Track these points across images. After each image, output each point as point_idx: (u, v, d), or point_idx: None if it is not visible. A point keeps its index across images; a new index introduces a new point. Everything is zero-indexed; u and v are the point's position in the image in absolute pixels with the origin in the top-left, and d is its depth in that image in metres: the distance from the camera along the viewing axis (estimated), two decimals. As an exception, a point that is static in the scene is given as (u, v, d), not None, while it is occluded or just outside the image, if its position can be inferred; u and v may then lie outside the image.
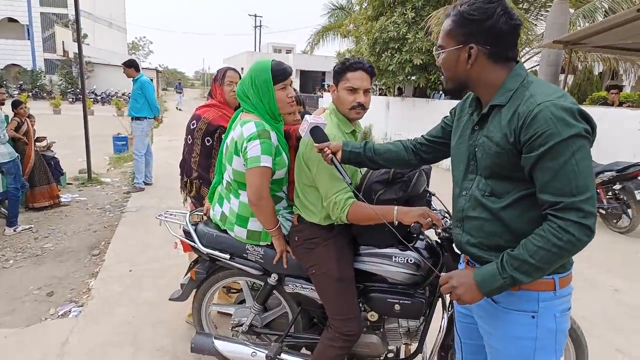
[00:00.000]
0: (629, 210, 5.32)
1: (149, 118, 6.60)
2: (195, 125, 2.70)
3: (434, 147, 1.71)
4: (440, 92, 13.28)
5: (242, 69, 23.70)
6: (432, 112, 10.32)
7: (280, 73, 2.00)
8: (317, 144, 1.78)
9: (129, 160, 8.81)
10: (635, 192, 5.09)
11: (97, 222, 5.15)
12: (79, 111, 7.95)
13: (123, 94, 27.64)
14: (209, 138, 2.67)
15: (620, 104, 8.05)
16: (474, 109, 1.42)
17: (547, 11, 9.56)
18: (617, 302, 3.61)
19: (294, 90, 2.19)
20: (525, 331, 1.33)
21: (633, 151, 5.67)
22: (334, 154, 1.76)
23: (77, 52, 7.14)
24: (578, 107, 1.17)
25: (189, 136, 2.73)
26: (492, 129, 1.30)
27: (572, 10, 9.32)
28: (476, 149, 1.36)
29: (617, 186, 5.35)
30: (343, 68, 1.94)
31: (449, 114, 1.64)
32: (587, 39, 7.07)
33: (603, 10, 9.56)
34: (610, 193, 5.48)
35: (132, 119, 6.61)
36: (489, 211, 1.33)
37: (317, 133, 1.79)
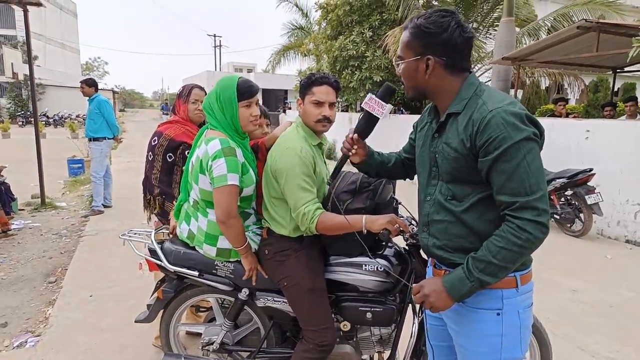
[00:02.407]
0: (581, 215, 5.63)
1: (108, 138, 6.39)
2: (156, 142, 2.67)
3: (410, 163, 1.80)
4: (401, 108, 13.66)
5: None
6: (394, 127, 10.54)
7: (245, 90, 2.00)
8: (356, 135, 1.72)
9: (85, 183, 8.49)
10: (586, 197, 5.40)
11: (52, 248, 4.90)
12: (30, 134, 7.64)
13: (77, 116, 26.72)
14: (170, 154, 2.64)
15: (567, 115, 8.56)
16: (433, 118, 1.50)
17: (496, 30, 10.11)
18: (576, 302, 3.79)
19: (259, 105, 2.20)
20: (492, 328, 1.38)
21: (581, 158, 6.02)
22: (356, 154, 1.74)
23: (28, 73, 6.88)
24: (526, 112, 1.27)
25: (150, 153, 2.69)
26: (450, 135, 1.38)
27: (518, 29, 9.90)
28: (437, 155, 1.43)
29: (569, 192, 5.65)
30: (309, 82, 1.99)
31: (412, 129, 1.71)
32: (533, 55, 7.53)
33: (546, 28, 10.22)
34: (562, 199, 5.78)
35: (90, 140, 6.38)
36: (452, 214, 1.39)
37: (367, 122, 1.70)
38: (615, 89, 10.52)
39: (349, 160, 1.80)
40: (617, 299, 3.86)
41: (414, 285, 1.44)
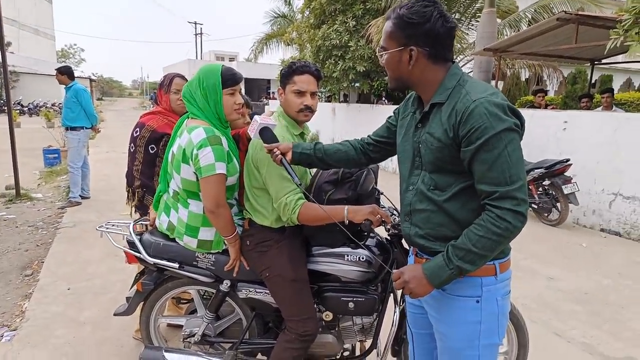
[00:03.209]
0: (558, 204, 5.75)
1: (85, 128, 6.23)
2: (138, 133, 2.61)
3: (381, 146, 1.77)
4: (384, 98, 13.69)
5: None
6: (376, 117, 10.60)
7: (229, 78, 1.97)
8: (266, 145, 1.78)
9: (62, 174, 8.29)
10: (563, 187, 5.52)
11: (28, 241, 4.78)
12: (4, 124, 7.40)
13: (53, 105, 26.00)
14: (153, 146, 2.58)
15: (546, 107, 8.70)
16: (416, 108, 1.49)
17: (477, 21, 10.18)
18: (552, 289, 3.88)
19: (242, 95, 2.17)
20: (471, 315, 1.41)
21: (558, 149, 6.14)
22: (284, 154, 1.77)
23: (0, 60, 6.63)
24: (508, 103, 1.28)
25: (132, 144, 2.63)
26: (433, 125, 1.38)
27: (499, 21, 9.98)
28: (420, 145, 1.43)
29: (547, 182, 5.77)
30: (290, 71, 1.96)
31: (392, 114, 1.71)
32: (514, 47, 7.60)
33: (527, 20, 10.32)
34: (540, 189, 5.90)
35: (67, 129, 6.21)
36: (434, 203, 1.40)
37: (267, 134, 1.79)
38: (593, 81, 10.74)
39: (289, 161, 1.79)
40: (592, 286, 3.97)
41: (394, 271, 1.45)
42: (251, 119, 1.89)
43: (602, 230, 5.79)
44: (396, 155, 1.83)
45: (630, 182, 5.44)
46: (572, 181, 5.57)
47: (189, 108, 2.01)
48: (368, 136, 1.82)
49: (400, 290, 2.15)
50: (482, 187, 1.28)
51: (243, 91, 2.21)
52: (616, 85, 17.57)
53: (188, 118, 2.05)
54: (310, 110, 1.98)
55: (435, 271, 1.33)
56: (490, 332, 1.41)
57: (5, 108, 7.16)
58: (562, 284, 4.01)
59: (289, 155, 1.78)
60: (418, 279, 1.36)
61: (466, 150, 1.28)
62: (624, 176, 5.49)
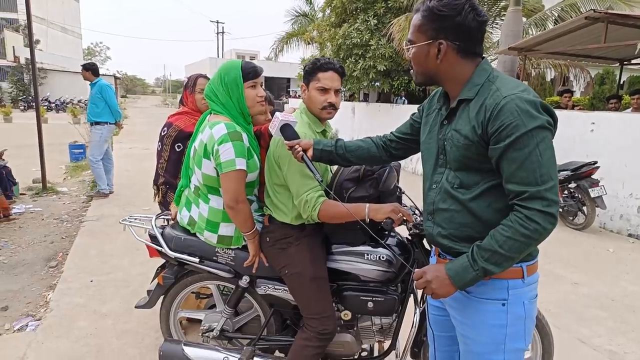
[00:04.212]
0: (584, 208, 5.60)
1: (109, 123, 6.35)
2: (165, 132, 2.68)
3: (403, 143, 1.74)
4: (403, 97, 13.56)
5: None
6: (396, 117, 10.52)
7: (250, 71, 1.97)
8: (287, 142, 1.77)
9: (87, 169, 8.46)
10: (589, 190, 5.36)
11: (53, 233, 4.90)
12: (32, 119, 7.60)
13: (79, 101, 26.63)
14: (179, 144, 2.63)
15: (573, 107, 8.48)
16: (442, 104, 1.45)
17: (502, 19, 9.98)
18: (577, 295, 3.77)
19: (265, 90, 2.17)
20: (496, 319, 1.36)
21: (585, 151, 5.97)
22: (305, 151, 1.75)
23: (29, 57, 6.81)
24: (541, 100, 1.23)
25: (159, 143, 2.70)
26: (460, 122, 1.34)
27: (524, 19, 9.76)
28: (445, 143, 1.39)
29: (572, 185, 5.62)
30: (314, 68, 1.95)
31: (417, 111, 1.67)
32: (540, 46, 7.43)
33: (553, 18, 10.07)
34: (566, 191, 5.75)
35: (92, 124, 6.35)
36: (459, 202, 1.36)
37: (288, 131, 1.78)
38: (621, 82, 10.41)
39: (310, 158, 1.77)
40: (618, 292, 3.85)
41: (416, 270, 1.41)
42: (272, 116, 1.89)
43: (629, 235, 5.61)
44: (416, 154, 1.81)
45: (661, 187, 5.25)
46: (599, 184, 5.40)
47: (211, 105, 2.02)
48: (391, 133, 1.79)
49: (421, 291, 2.14)
50: (511, 187, 1.24)
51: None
52: (646, 86, 16.99)
53: (210, 114, 2.06)
54: (333, 107, 1.97)
55: (459, 272, 1.30)
56: (516, 337, 1.37)
57: (34, 104, 7.36)
58: (587, 289, 3.89)
59: (310, 152, 1.76)
60: (441, 279, 1.32)
61: (495, 148, 1.24)
62: (654, 180, 5.31)
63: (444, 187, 1.40)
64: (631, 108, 7.16)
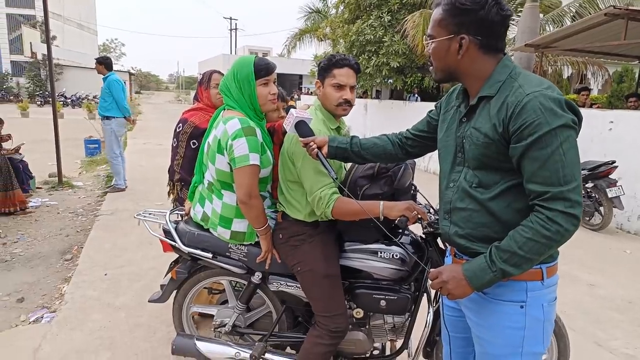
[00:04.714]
0: (601, 208, 5.49)
1: (117, 118, 6.36)
2: (180, 129, 2.68)
3: (420, 141, 1.71)
4: (416, 95, 13.45)
5: (218, 71, 23.38)
6: (409, 115, 10.43)
7: (262, 68, 1.95)
8: (302, 139, 1.76)
9: (102, 164, 8.58)
10: (607, 190, 5.26)
11: (68, 226, 4.97)
12: (48, 114, 7.70)
13: (95, 97, 26.96)
14: (194, 141, 2.63)
15: (590, 106, 8.32)
16: (462, 101, 1.42)
17: (519, 16, 9.82)
18: (593, 297, 3.71)
19: (278, 87, 2.16)
20: (514, 321, 1.33)
21: (603, 151, 5.85)
22: (320, 148, 1.74)
23: (46, 53, 6.89)
24: (565, 98, 1.19)
25: (175, 139, 2.70)
26: (480, 120, 1.30)
27: (541, 15, 9.59)
28: (464, 141, 1.36)
29: (589, 184, 5.51)
30: (329, 64, 1.92)
31: (434, 108, 1.64)
32: (558, 42, 7.30)
33: (571, 15, 9.89)
34: (582, 191, 5.63)
35: (102, 118, 6.41)
36: (477, 202, 1.33)
37: (303, 127, 1.77)
38: (641, 80, 10.18)
39: (325, 155, 1.76)
40: (636, 295, 3.77)
41: (431, 270, 1.38)
42: (286, 113, 1.87)
43: (647, 237, 5.49)
44: (429, 153, 1.78)
45: (681, 187, 5.13)
46: (617, 184, 5.29)
47: (226, 100, 2.02)
48: (407, 130, 1.76)
49: (434, 291, 2.11)
50: (532, 187, 1.20)
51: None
52: (666, 84, 16.62)
53: (224, 109, 2.05)
54: (349, 104, 1.95)
55: (477, 273, 1.27)
56: (534, 340, 1.33)
57: (50, 99, 7.45)
58: (603, 291, 3.82)
59: (325, 149, 1.75)
60: (457, 280, 1.29)
61: (516, 147, 1.20)
62: (675, 180, 5.18)
63: (461, 186, 1.37)
64: (651, 107, 7.01)
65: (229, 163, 1.93)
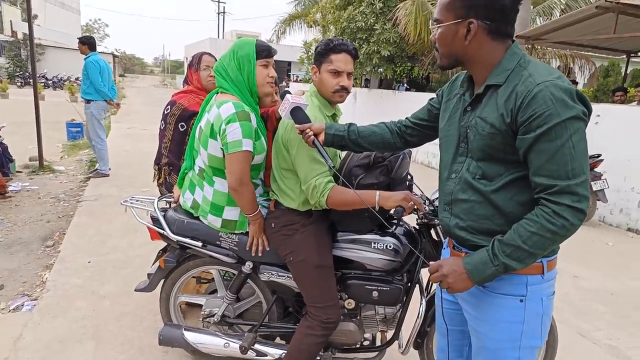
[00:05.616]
0: (585, 201, 5.55)
1: (97, 101, 6.13)
2: (169, 111, 2.60)
3: (420, 130, 1.67)
4: (405, 84, 13.43)
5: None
6: (399, 104, 10.41)
7: (264, 49, 1.91)
8: (298, 125, 1.70)
9: (84, 148, 8.37)
10: (592, 183, 5.32)
11: (50, 212, 4.84)
12: (29, 96, 7.47)
13: (77, 79, 26.29)
14: (183, 124, 2.55)
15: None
16: (466, 89, 1.37)
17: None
18: (577, 288, 3.76)
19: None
20: (514, 315, 1.31)
21: (589, 144, 5.90)
22: (316, 135, 1.69)
23: (27, 32, 6.62)
24: (575, 89, 1.15)
25: (162, 122, 2.62)
26: (487, 109, 1.26)
27: (531, 7, 9.60)
28: (468, 131, 1.32)
29: (575, 177, 5.56)
30: (327, 49, 1.86)
31: (435, 96, 1.60)
32: (548, 35, 7.32)
33: (560, 8, 9.93)
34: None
35: (85, 102, 6.21)
36: (480, 194, 1.30)
37: (299, 114, 1.71)
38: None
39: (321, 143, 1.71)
40: (618, 287, 3.84)
41: (431, 263, 1.35)
42: (281, 99, 1.82)
43: (629, 229, 5.60)
44: (428, 142, 1.74)
45: (664, 182, 5.22)
46: (602, 177, 5.37)
47: (220, 82, 1.95)
48: (406, 118, 1.72)
49: (426, 282, 2.10)
50: (539, 180, 1.17)
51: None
52: (649, 80, 16.89)
53: (217, 93, 1.98)
54: (346, 90, 1.90)
55: (478, 267, 1.24)
56: (532, 334, 1.32)
57: (31, 80, 7.21)
58: (587, 283, 3.88)
59: (322, 137, 1.70)
60: (458, 273, 1.26)
61: (524, 139, 1.17)
62: (658, 175, 5.27)
63: (464, 177, 1.34)
64: (636, 101, 7.10)
65: (221, 148, 1.87)
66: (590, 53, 10.32)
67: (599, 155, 5.45)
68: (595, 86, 11.97)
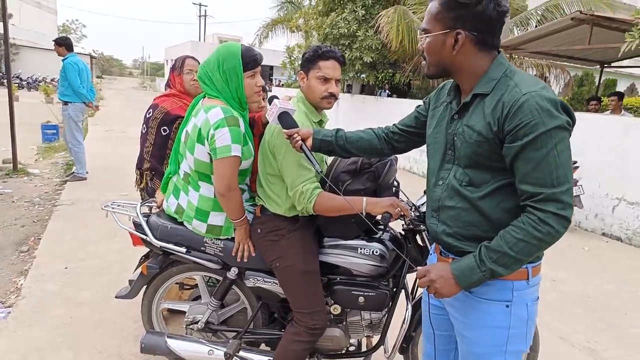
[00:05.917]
0: (562, 206, 5.69)
1: (74, 103, 6.02)
2: (150, 115, 2.55)
3: (407, 136, 1.69)
4: (387, 90, 13.56)
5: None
6: (381, 110, 10.50)
7: (251, 60, 1.88)
8: (286, 130, 1.70)
9: (60, 150, 8.17)
10: (568, 188, 5.45)
11: (24, 216, 4.69)
12: (2, 96, 7.24)
13: (52, 80, 25.64)
14: (165, 127, 2.51)
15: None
16: (453, 98, 1.40)
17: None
18: (555, 292, 3.85)
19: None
20: (500, 320, 1.33)
21: (565, 151, 6.07)
22: (304, 140, 1.69)
23: (1, 32, 6.43)
24: (560, 99, 1.19)
25: (144, 125, 2.56)
26: (474, 117, 1.28)
27: (508, 18, 9.84)
28: (455, 138, 1.34)
29: (552, 183, 5.70)
30: (315, 56, 1.87)
31: (422, 103, 1.62)
32: (525, 45, 7.51)
33: (536, 18, 10.19)
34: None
35: (62, 103, 6.07)
36: (467, 201, 1.32)
37: (286, 119, 1.71)
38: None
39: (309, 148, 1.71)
40: (594, 290, 3.94)
41: (419, 268, 1.37)
42: (269, 104, 1.81)
43: (603, 234, 5.76)
44: (415, 148, 1.76)
45: (636, 188, 5.39)
46: (578, 184, 5.52)
47: (206, 89, 1.92)
48: (393, 125, 1.73)
49: (412, 287, 2.11)
50: (525, 187, 1.20)
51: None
52: (619, 89, 17.50)
53: (204, 97, 1.96)
54: (334, 97, 1.91)
55: (466, 272, 1.26)
56: (518, 339, 1.35)
57: (5, 81, 7.00)
58: (564, 286, 3.97)
59: (310, 142, 1.70)
60: (445, 278, 1.28)
61: (510, 147, 1.19)
62: (630, 181, 5.44)
63: (451, 184, 1.36)
64: (610, 110, 7.33)
65: (209, 153, 1.85)
66: (565, 63, 10.61)
67: (574, 162, 5.60)
68: (570, 95, 12.35)
